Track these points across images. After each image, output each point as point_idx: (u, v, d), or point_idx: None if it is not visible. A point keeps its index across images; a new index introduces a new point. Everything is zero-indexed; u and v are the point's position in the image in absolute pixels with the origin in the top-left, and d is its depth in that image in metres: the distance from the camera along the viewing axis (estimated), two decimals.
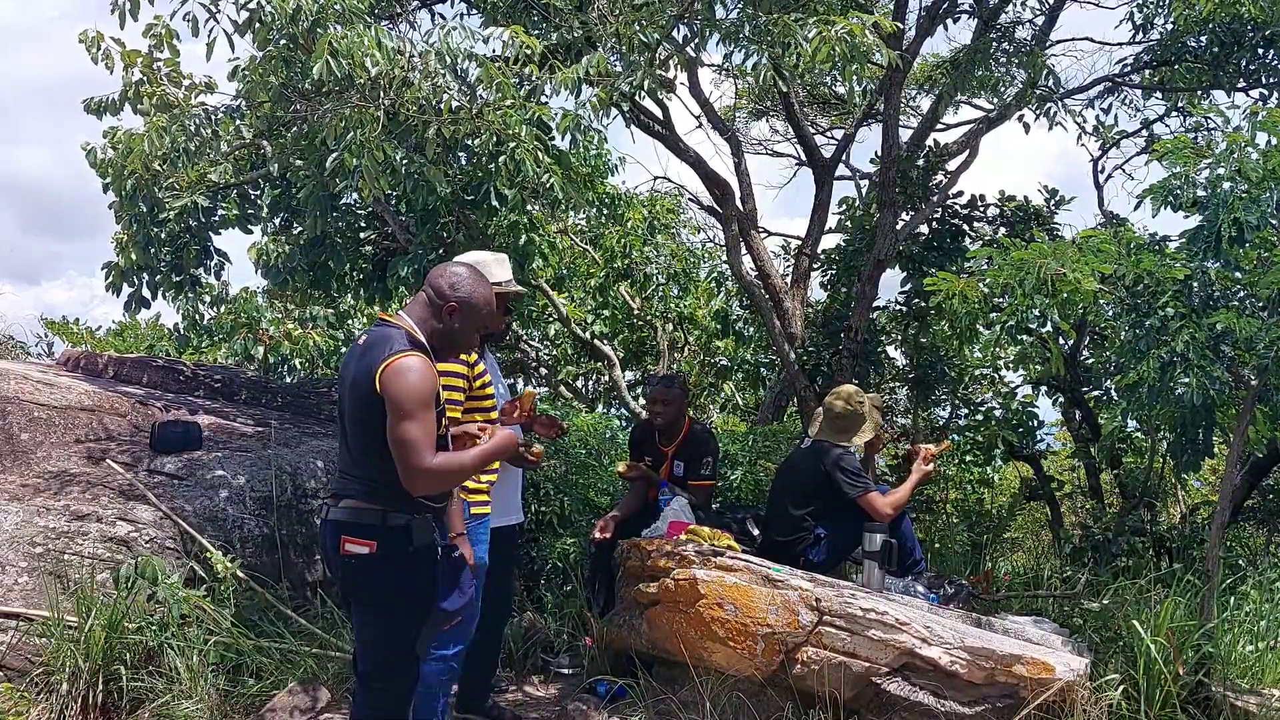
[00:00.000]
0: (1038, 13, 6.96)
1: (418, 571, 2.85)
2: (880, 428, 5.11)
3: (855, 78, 4.56)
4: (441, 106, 4.68)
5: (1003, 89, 7.03)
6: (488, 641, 4.06)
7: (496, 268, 3.69)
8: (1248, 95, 6.36)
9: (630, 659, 4.33)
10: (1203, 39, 6.26)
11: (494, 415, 3.67)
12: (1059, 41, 7.43)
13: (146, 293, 6.11)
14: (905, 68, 6.74)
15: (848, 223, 7.73)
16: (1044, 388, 8.00)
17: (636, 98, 5.40)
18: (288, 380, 8.20)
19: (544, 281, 8.55)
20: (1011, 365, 8.03)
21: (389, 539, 2.80)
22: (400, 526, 2.80)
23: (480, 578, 3.53)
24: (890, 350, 7.62)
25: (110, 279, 6.06)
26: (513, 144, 4.69)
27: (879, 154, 6.95)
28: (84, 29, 5.30)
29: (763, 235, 7.92)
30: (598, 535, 4.88)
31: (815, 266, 7.62)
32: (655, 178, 17.06)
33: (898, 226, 6.65)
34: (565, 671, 4.84)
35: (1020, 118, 6.61)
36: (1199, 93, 6.59)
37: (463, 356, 3.46)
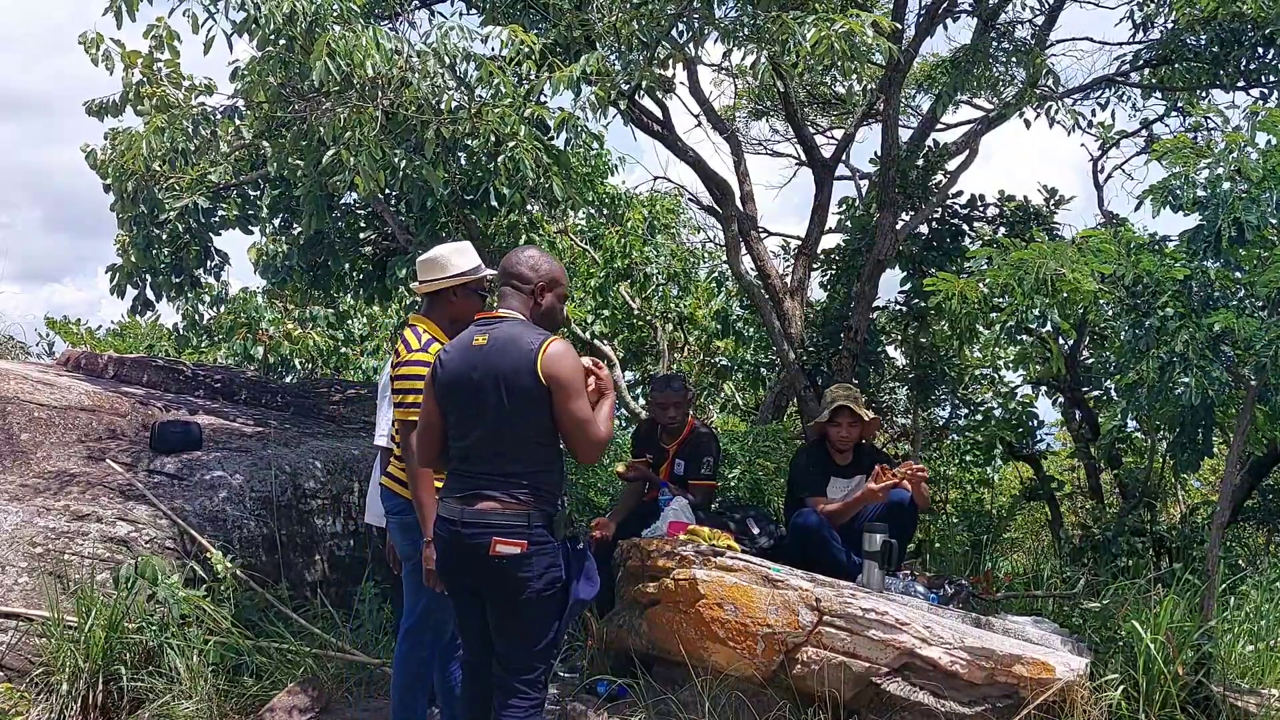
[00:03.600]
0: (1037, 12, 6.95)
1: (559, 566, 2.97)
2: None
3: (855, 76, 4.56)
4: (440, 106, 4.68)
5: (1003, 89, 7.03)
6: None
7: (458, 258, 3.58)
8: (1247, 94, 6.36)
9: (630, 659, 4.33)
10: (1202, 38, 6.25)
11: None
12: (1059, 41, 7.44)
13: (151, 294, 6.13)
14: (905, 67, 6.74)
15: (848, 223, 7.73)
16: (1044, 388, 8.00)
17: (636, 97, 5.41)
18: (288, 380, 8.20)
19: None
20: (1011, 365, 8.04)
21: (536, 538, 2.91)
22: (544, 526, 2.93)
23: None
24: (890, 350, 7.62)
25: (115, 281, 6.06)
26: (511, 144, 4.69)
27: (879, 154, 6.95)
28: (84, 30, 5.32)
29: (763, 235, 7.92)
30: (596, 535, 4.90)
31: (815, 266, 7.62)
32: (655, 178, 17.08)
33: (898, 226, 6.64)
34: (564, 674, 4.83)
35: (1021, 115, 6.61)
36: (1198, 92, 6.58)
37: (431, 353, 3.38)
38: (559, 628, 3.01)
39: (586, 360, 3.08)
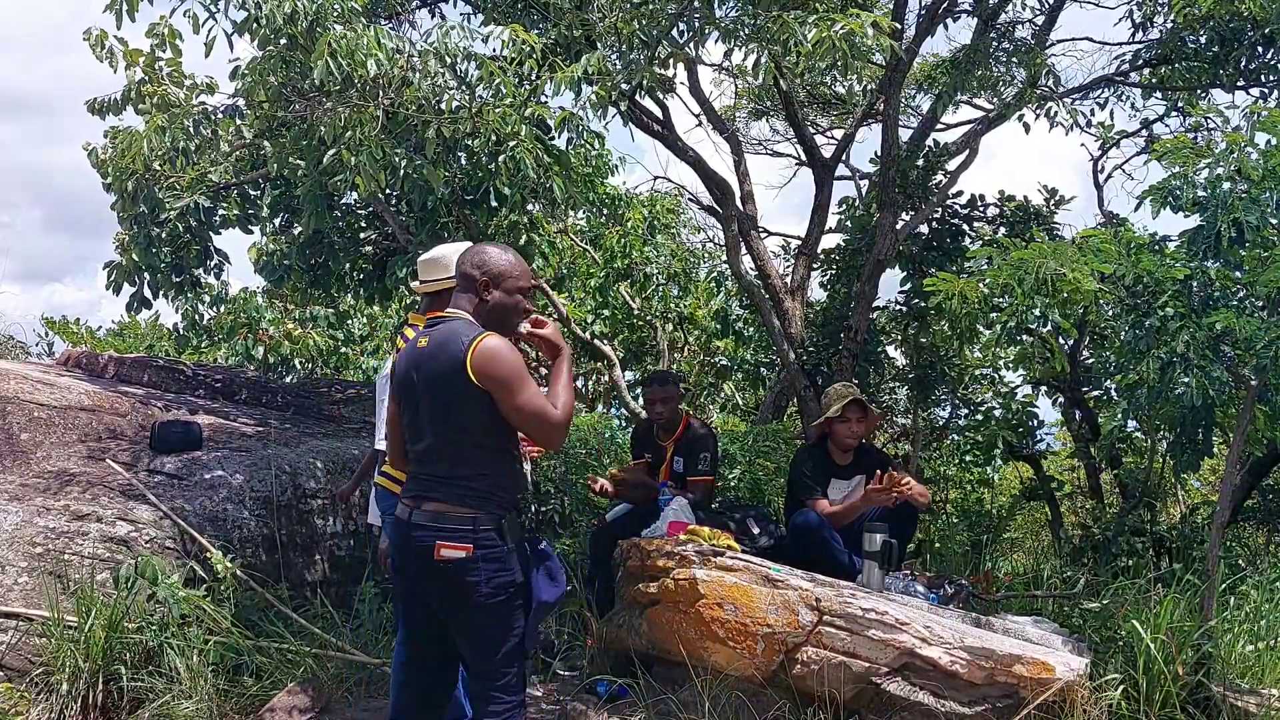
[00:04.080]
0: (1037, 12, 6.95)
1: (514, 569, 2.86)
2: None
3: (855, 76, 4.57)
4: (441, 106, 4.68)
5: (1003, 89, 7.03)
6: None
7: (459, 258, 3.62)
8: (1247, 94, 6.37)
9: (630, 659, 4.33)
10: (1202, 38, 6.26)
11: None
12: (1059, 41, 7.44)
13: (148, 293, 6.12)
14: (905, 67, 6.74)
15: (848, 223, 7.73)
16: (1044, 388, 8.00)
17: (636, 97, 5.41)
18: (288, 380, 8.20)
19: (544, 281, 8.55)
20: (1011, 365, 8.04)
21: (484, 541, 2.81)
22: (491, 529, 2.82)
23: None
24: (890, 350, 7.62)
25: (112, 278, 6.06)
26: (512, 143, 4.69)
27: (879, 154, 6.95)
28: (88, 27, 5.32)
29: (763, 235, 7.92)
30: (595, 488, 4.94)
31: (815, 266, 7.63)
32: (655, 178, 17.08)
33: (898, 226, 6.65)
34: (564, 673, 4.84)
35: (1020, 117, 6.61)
36: (1198, 92, 6.58)
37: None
38: (523, 631, 2.90)
39: (523, 325, 2.99)
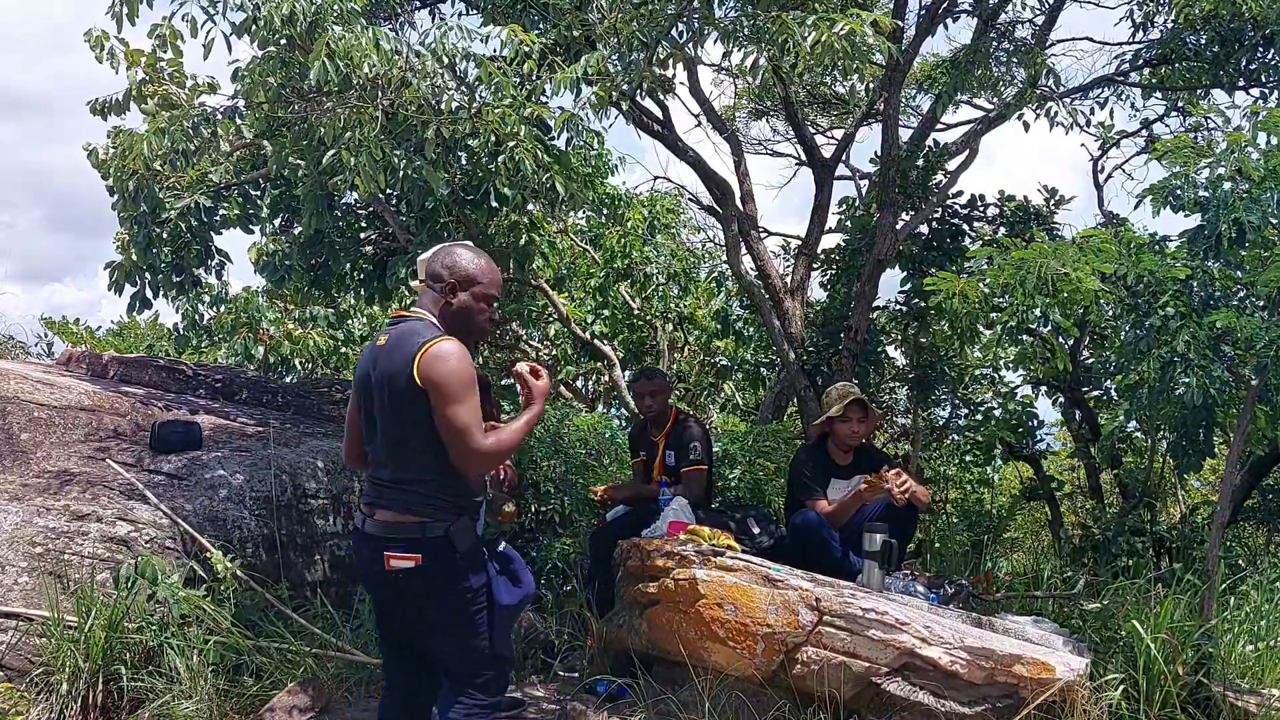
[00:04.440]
0: (1038, 12, 6.96)
1: (468, 577, 2.79)
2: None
3: (855, 76, 4.56)
4: (441, 106, 4.68)
5: (1003, 89, 7.03)
6: None
7: None
8: (1248, 94, 6.37)
9: (630, 659, 4.33)
10: (1202, 38, 6.26)
11: None
12: (1059, 41, 7.44)
13: (149, 293, 6.12)
14: (905, 67, 6.73)
15: (848, 223, 7.73)
16: (1044, 388, 8.00)
17: (636, 97, 5.41)
18: (288, 380, 8.20)
19: (544, 281, 8.55)
20: (1011, 365, 8.04)
21: (433, 550, 2.74)
22: (441, 536, 2.74)
23: None
24: (890, 350, 7.63)
25: (114, 278, 6.06)
26: (512, 144, 4.69)
27: (879, 154, 6.95)
28: (89, 28, 5.31)
29: (763, 235, 7.92)
30: (597, 494, 4.95)
31: (815, 266, 7.63)
32: (655, 177, 17.08)
33: (898, 226, 6.65)
34: (564, 673, 4.84)
35: (1020, 117, 6.61)
36: (1199, 92, 6.59)
37: None
38: (490, 636, 2.83)
39: (523, 365, 2.94)
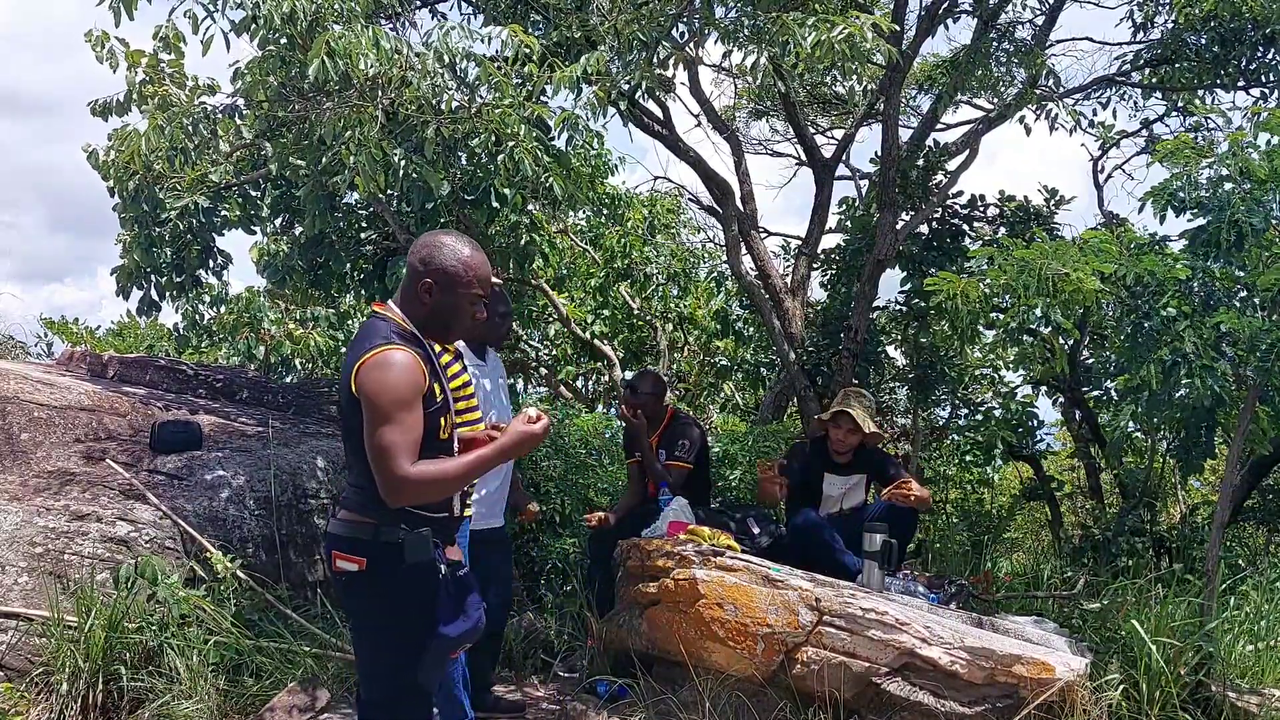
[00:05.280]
0: (1038, 12, 6.96)
1: (413, 593, 2.54)
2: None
3: (855, 77, 4.56)
4: (441, 106, 4.68)
5: (1003, 89, 7.03)
6: (484, 643, 4.09)
7: None
8: (1248, 94, 6.37)
9: (630, 659, 4.33)
10: (1203, 38, 6.26)
11: (470, 418, 3.52)
12: (1059, 41, 7.45)
13: (155, 295, 6.13)
14: (905, 67, 6.73)
15: (848, 223, 7.73)
16: (1044, 388, 8.00)
17: (636, 97, 5.41)
18: (288, 380, 8.20)
19: (544, 281, 8.55)
20: (1012, 365, 8.04)
21: (380, 556, 2.51)
22: (392, 543, 2.51)
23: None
24: (890, 350, 7.63)
25: (120, 283, 6.06)
26: (511, 144, 4.69)
27: (879, 154, 6.95)
28: (89, 28, 5.31)
29: (763, 235, 7.92)
30: (593, 522, 4.93)
31: (815, 266, 7.63)
32: (655, 178, 17.08)
33: (898, 226, 6.64)
34: (564, 673, 4.84)
35: (1021, 119, 6.61)
36: (1199, 92, 6.59)
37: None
38: (420, 668, 2.57)
39: (522, 419, 2.57)
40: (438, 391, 2.55)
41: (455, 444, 2.67)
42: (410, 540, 2.52)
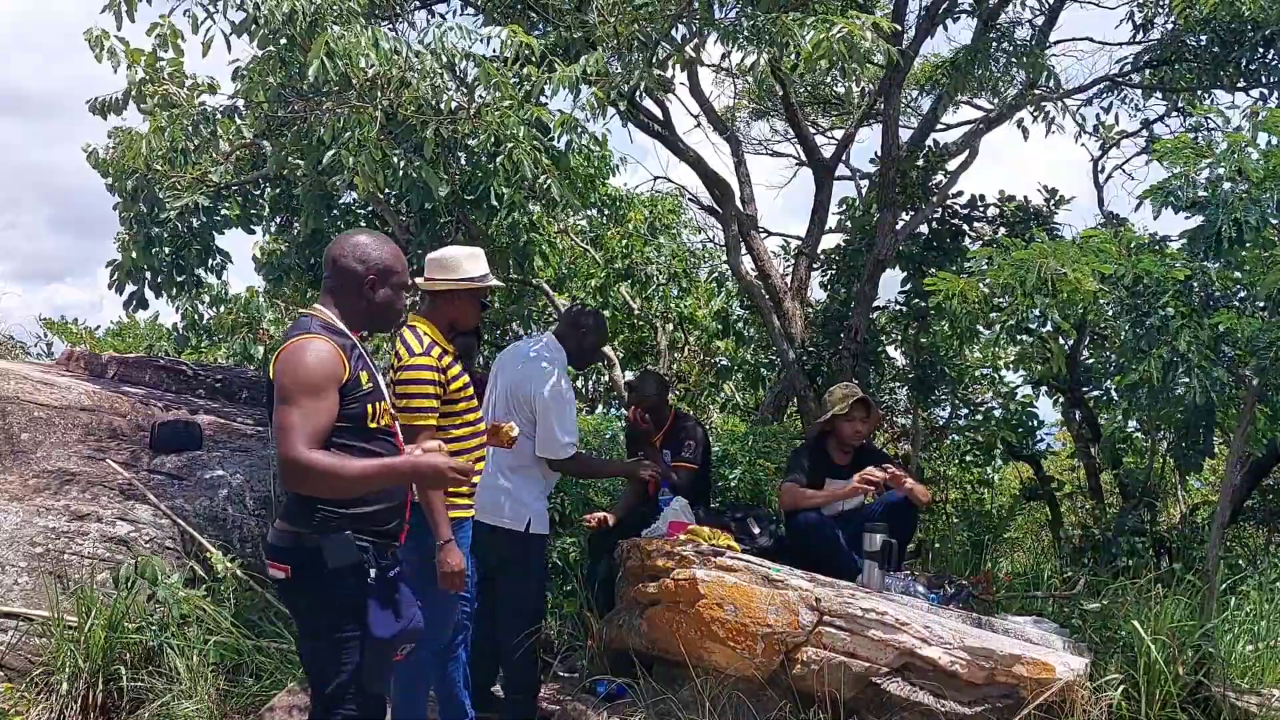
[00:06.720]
0: (1038, 13, 6.96)
1: (338, 597, 2.55)
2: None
3: (855, 78, 4.56)
4: (440, 106, 4.68)
5: (1003, 89, 7.04)
6: (485, 644, 4.10)
7: (469, 263, 3.58)
8: (1248, 95, 6.37)
9: (630, 659, 4.33)
10: (1203, 38, 6.27)
11: (469, 418, 3.57)
12: (1059, 41, 7.45)
13: (149, 293, 6.13)
14: (905, 67, 6.74)
15: (848, 223, 7.73)
16: (1044, 388, 8.00)
17: (636, 97, 5.41)
18: None
19: (544, 281, 8.55)
20: (1011, 365, 8.04)
21: (304, 562, 2.54)
22: (312, 549, 2.53)
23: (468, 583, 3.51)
24: (890, 350, 7.62)
25: (114, 278, 6.07)
26: (510, 144, 4.69)
27: (879, 154, 6.95)
28: (89, 27, 5.31)
29: (763, 235, 7.93)
30: (593, 522, 4.94)
31: (815, 266, 7.63)
32: (655, 178, 17.06)
33: (898, 226, 6.65)
34: (564, 673, 4.84)
35: (1019, 123, 6.62)
36: (1199, 92, 6.59)
37: (433, 356, 3.40)
38: (355, 668, 2.57)
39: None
40: (365, 380, 2.59)
41: (397, 434, 2.72)
42: (331, 545, 2.53)
